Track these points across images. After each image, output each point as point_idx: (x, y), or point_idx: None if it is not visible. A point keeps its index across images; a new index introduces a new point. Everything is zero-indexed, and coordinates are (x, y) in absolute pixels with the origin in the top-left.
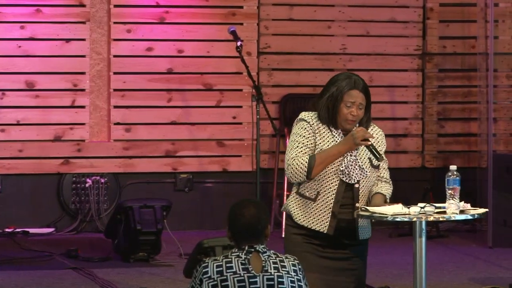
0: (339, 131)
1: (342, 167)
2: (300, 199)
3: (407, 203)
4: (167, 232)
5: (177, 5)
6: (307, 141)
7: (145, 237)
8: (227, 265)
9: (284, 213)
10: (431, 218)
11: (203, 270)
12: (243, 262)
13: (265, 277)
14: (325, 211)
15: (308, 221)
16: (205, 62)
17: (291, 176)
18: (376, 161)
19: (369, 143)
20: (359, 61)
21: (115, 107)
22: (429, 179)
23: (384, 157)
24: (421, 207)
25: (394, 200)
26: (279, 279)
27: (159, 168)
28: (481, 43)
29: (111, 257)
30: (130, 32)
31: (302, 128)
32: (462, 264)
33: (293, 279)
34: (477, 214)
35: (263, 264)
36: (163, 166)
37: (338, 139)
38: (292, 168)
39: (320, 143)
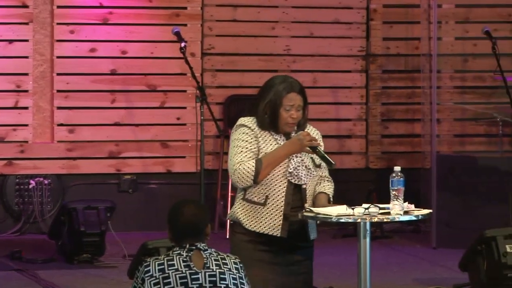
0: (281, 135)
1: (290, 169)
2: (248, 205)
3: (351, 204)
4: (111, 234)
5: (121, 6)
6: (251, 146)
7: (89, 239)
8: (169, 263)
9: (229, 221)
10: (376, 219)
11: (145, 269)
12: (185, 259)
13: (207, 273)
14: (276, 215)
15: (260, 226)
16: (149, 63)
17: (237, 181)
18: (328, 166)
19: (317, 149)
20: (303, 62)
21: (59, 108)
22: (373, 180)
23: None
24: (365, 208)
25: (338, 200)
26: (221, 275)
27: (102, 169)
28: (424, 44)
29: (55, 259)
30: (74, 33)
31: (243, 133)
32: (406, 264)
33: (235, 276)
34: (421, 215)
35: (205, 261)
36: (107, 167)
37: (281, 142)
38: (238, 173)
39: (263, 147)
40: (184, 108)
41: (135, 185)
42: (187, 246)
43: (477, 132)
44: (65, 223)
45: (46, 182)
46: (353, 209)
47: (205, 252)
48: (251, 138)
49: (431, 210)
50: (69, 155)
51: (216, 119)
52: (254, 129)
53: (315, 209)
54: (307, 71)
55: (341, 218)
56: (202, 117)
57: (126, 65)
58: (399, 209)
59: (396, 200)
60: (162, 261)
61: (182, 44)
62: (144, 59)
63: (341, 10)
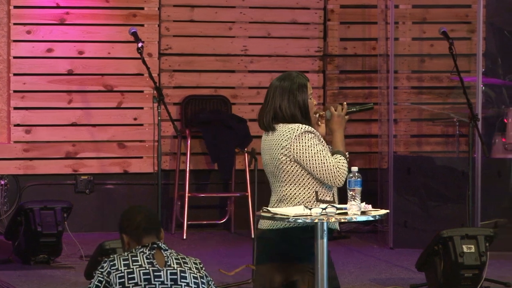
0: None
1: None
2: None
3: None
4: (68, 234)
5: (78, 6)
6: (327, 147)
7: (45, 239)
8: (133, 258)
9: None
10: (333, 219)
11: (111, 263)
12: (148, 257)
13: (168, 271)
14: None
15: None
16: (105, 63)
17: (342, 181)
18: (371, 109)
19: (354, 109)
20: (260, 63)
21: (15, 108)
22: None
23: None
24: (323, 209)
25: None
26: (182, 274)
27: (59, 170)
28: (381, 45)
29: (12, 259)
30: (30, 33)
31: (315, 138)
32: (363, 265)
33: (195, 275)
34: (378, 215)
35: (166, 260)
36: (64, 167)
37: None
38: (343, 171)
39: None
40: (141, 108)
41: (92, 185)
42: (149, 244)
43: (434, 133)
44: (22, 223)
45: (2, 182)
46: (310, 209)
47: (166, 252)
48: (322, 141)
49: (388, 211)
50: (26, 156)
51: (174, 120)
52: (315, 132)
53: (272, 210)
54: (265, 71)
55: (299, 219)
56: (159, 118)
57: (83, 65)
58: (356, 210)
59: (353, 200)
60: (127, 257)
61: (139, 45)
62: (101, 59)
63: (298, 10)
